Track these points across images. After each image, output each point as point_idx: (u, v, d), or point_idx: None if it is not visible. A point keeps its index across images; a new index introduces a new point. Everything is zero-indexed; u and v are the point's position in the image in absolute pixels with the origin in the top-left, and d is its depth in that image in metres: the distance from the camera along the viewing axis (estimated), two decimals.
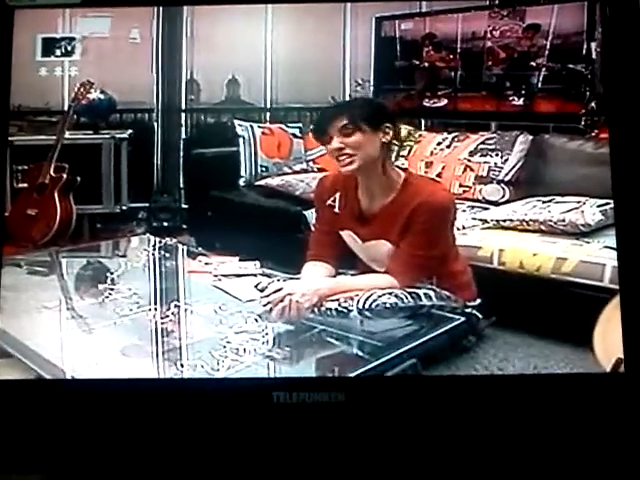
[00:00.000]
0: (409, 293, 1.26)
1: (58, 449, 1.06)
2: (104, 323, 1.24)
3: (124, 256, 1.59)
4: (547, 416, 1.08)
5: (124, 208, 1.67)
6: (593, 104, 1.61)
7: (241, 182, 1.84)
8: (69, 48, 1.57)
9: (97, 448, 1.07)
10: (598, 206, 1.40)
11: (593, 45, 1.59)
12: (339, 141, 1.30)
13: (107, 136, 1.72)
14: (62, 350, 1.14)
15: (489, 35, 1.74)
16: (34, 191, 1.60)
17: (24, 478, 1.09)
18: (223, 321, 1.23)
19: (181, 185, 1.78)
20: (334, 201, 1.38)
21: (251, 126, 1.86)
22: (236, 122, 1.85)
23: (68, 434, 1.06)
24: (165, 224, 1.68)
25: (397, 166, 1.38)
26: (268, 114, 1.86)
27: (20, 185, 1.58)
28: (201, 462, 1.07)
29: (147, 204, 1.69)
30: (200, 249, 1.57)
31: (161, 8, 1.68)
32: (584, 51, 1.61)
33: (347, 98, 1.78)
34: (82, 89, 1.60)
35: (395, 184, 1.32)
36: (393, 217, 1.30)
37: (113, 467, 1.07)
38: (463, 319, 1.23)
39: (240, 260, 1.46)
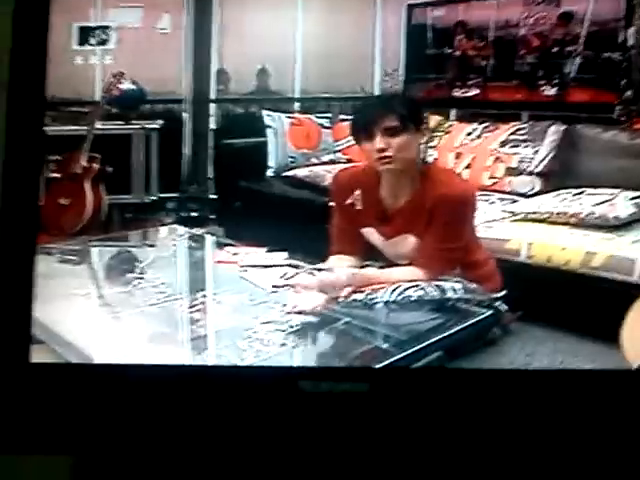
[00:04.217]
0: (436, 286, 1.25)
1: (87, 432, 1.08)
2: (132, 311, 1.26)
3: (153, 246, 1.61)
4: (573, 411, 1.07)
5: (154, 198, 1.70)
6: (629, 93, 1.58)
7: (269, 173, 1.85)
8: (104, 37, 1.59)
9: (125, 432, 1.09)
10: (631, 199, 1.38)
11: (630, 32, 1.56)
12: (383, 141, 1.25)
13: (137, 126, 1.74)
14: (91, 337, 1.16)
15: (523, 23, 1.71)
16: (66, 181, 1.63)
17: (54, 459, 1.12)
18: (249, 311, 1.24)
19: (210, 175, 1.80)
20: (354, 200, 1.35)
21: (280, 116, 1.86)
22: (265, 112, 1.85)
23: (97, 418, 1.08)
24: (194, 214, 1.70)
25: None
26: (297, 104, 1.86)
27: (53, 175, 1.61)
28: (227, 448, 1.08)
29: (176, 194, 1.71)
30: (228, 239, 1.58)
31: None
32: (620, 39, 1.58)
33: (376, 88, 1.77)
34: (113, 80, 1.62)
35: (416, 179, 1.30)
36: (415, 212, 1.29)
37: (139, 451, 1.10)
38: (489, 312, 1.22)
39: (268, 251, 1.47)
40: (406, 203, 1.31)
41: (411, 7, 1.82)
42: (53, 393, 1.09)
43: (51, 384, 1.09)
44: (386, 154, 1.26)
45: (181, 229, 1.64)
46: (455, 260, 1.29)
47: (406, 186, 1.31)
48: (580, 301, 1.24)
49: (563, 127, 1.63)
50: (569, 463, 1.07)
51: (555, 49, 1.69)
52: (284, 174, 1.84)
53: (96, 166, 1.62)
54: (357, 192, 1.35)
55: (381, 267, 1.33)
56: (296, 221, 1.51)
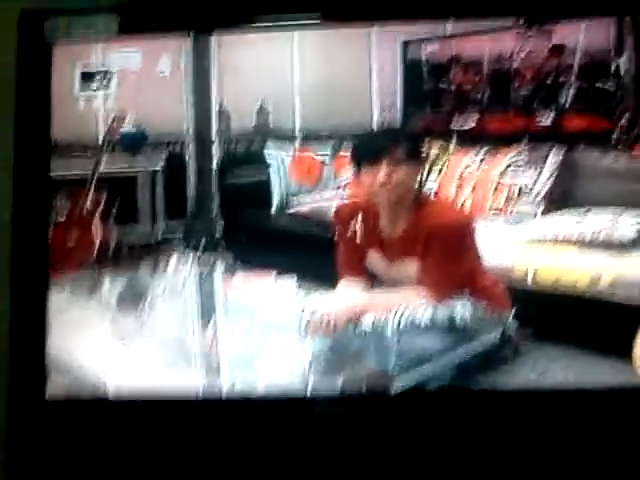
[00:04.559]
0: (445, 308, 1.25)
1: (106, 464, 1.08)
2: (145, 341, 1.26)
3: (163, 276, 1.61)
4: (587, 428, 1.06)
5: (160, 232, 1.70)
6: (624, 120, 1.60)
7: (273, 208, 1.86)
8: (105, 81, 1.61)
9: (143, 464, 1.08)
10: (635, 220, 1.38)
11: (622, 61, 1.59)
12: (387, 171, 1.28)
13: (141, 168, 1.76)
14: (104, 367, 1.16)
15: (516, 55, 1.74)
16: (74, 219, 1.64)
17: None
18: (260, 339, 1.24)
19: (215, 212, 1.81)
20: (355, 230, 1.37)
21: (280, 153, 1.88)
22: (265, 151, 1.87)
23: (114, 449, 1.08)
24: (201, 248, 1.71)
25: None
26: (297, 140, 1.88)
27: (60, 215, 1.61)
28: (247, 471, 1.08)
29: (183, 227, 1.72)
30: (237, 267, 1.59)
31: (190, 42, 1.73)
32: (613, 68, 1.61)
33: (375, 123, 1.80)
34: (115, 122, 1.64)
35: (411, 209, 1.32)
36: (412, 241, 1.30)
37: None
38: (499, 333, 1.23)
39: (277, 275, 1.47)
40: (403, 232, 1.33)
41: (406, 43, 1.86)
42: (69, 428, 1.08)
43: (67, 419, 1.09)
44: (388, 184, 1.28)
45: (189, 262, 1.65)
46: (461, 284, 1.30)
47: (402, 216, 1.33)
48: (590, 320, 1.24)
49: (562, 151, 1.65)
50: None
51: (549, 80, 1.72)
52: (287, 209, 1.85)
53: (102, 204, 1.63)
54: (358, 223, 1.37)
55: (388, 288, 1.34)
56: (302, 254, 1.51)
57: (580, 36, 1.65)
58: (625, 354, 1.13)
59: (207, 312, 1.37)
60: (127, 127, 1.66)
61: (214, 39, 1.71)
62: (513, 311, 1.28)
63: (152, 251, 1.68)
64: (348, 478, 1.07)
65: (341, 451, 1.06)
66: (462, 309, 1.25)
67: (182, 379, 1.13)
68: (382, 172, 1.28)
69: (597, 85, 1.64)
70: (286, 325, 1.27)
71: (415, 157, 1.31)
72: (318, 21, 1.29)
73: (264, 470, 1.07)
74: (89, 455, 1.08)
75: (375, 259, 1.37)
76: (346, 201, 1.55)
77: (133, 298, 1.46)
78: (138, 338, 1.28)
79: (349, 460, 1.06)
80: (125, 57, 1.57)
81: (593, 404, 1.08)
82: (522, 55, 1.73)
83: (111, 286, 1.54)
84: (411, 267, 1.31)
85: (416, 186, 1.33)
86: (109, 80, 1.61)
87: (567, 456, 1.05)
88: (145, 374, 1.14)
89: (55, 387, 1.12)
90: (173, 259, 1.63)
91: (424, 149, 1.38)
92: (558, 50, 1.69)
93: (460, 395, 1.12)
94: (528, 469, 1.06)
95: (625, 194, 1.47)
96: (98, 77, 1.61)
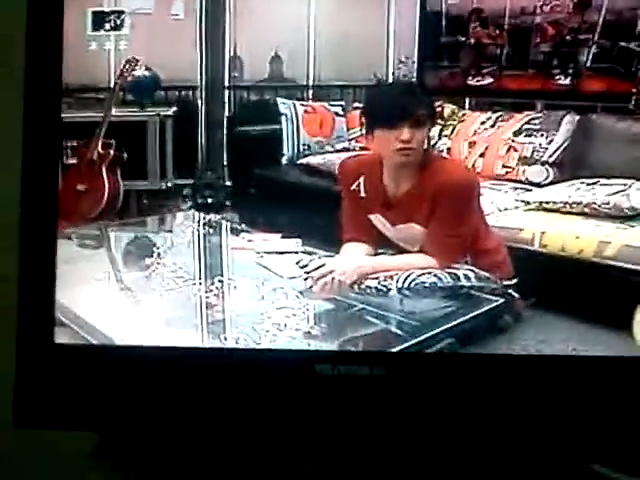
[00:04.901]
0: (448, 273, 1.26)
1: (110, 411, 1.11)
2: (150, 295, 1.28)
3: (170, 231, 1.62)
4: (584, 398, 1.08)
5: (169, 185, 1.71)
6: None
7: (283, 160, 1.86)
8: (118, 22, 1.59)
9: (142, 411, 1.12)
10: None
11: None
12: (409, 132, 1.25)
13: (152, 113, 1.74)
14: (110, 320, 1.18)
15: (539, 10, 1.70)
16: (83, 167, 1.64)
17: (79, 435, 1.16)
18: (265, 297, 1.26)
19: (225, 163, 1.81)
20: (358, 186, 1.36)
21: (294, 104, 1.86)
22: (279, 100, 1.85)
23: (120, 397, 1.11)
24: (209, 201, 1.71)
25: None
26: (311, 92, 1.86)
27: (69, 161, 1.62)
28: (242, 430, 1.11)
29: (192, 181, 1.72)
30: (243, 226, 1.60)
31: None
32: (639, 28, 1.56)
33: (390, 76, 1.77)
34: (127, 66, 1.62)
35: (416, 168, 1.30)
36: (418, 200, 1.30)
37: (159, 430, 1.13)
38: (502, 301, 1.24)
39: (282, 237, 1.49)
40: (408, 191, 1.32)
41: None
42: (76, 372, 1.12)
43: (74, 364, 1.12)
44: (409, 146, 1.26)
45: (197, 215, 1.66)
46: (465, 247, 1.30)
47: (408, 174, 1.32)
48: (594, 289, 1.25)
49: (578, 117, 1.62)
50: (579, 449, 1.08)
51: (571, 37, 1.68)
52: (298, 162, 1.84)
53: (111, 152, 1.63)
54: (361, 179, 1.36)
55: (393, 254, 1.35)
56: (310, 208, 1.51)
57: None
58: (627, 325, 1.14)
59: (212, 270, 1.39)
60: (140, 71, 1.64)
61: None
62: (515, 279, 1.28)
63: (160, 206, 1.69)
64: (348, 439, 1.10)
65: (341, 412, 1.08)
66: (466, 275, 1.26)
67: (185, 334, 1.16)
68: (406, 133, 1.25)
69: (620, 45, 1.60)
70: (290, 285, 1.28)
71: (431, 116, 1.29)
72: None
73: (262, 428, 1.10)
74: (94, 397, 1.11)
75: (379, 220, 1.37)
76: (352, 156, 1.55)
77: (139, 253, 1.48)
78: (144, 291, 1.30)
79: (349, 421, 1.09)
80: None
81: (589, 374, 1.09)
82: (546, 10, 1.69)
83: (117, 240, 1.56)
84: (415, 229, 1.31)
85: (425, 146, 1.32)
86: (122, 22, 1.59)
87: (562, 424, 1.07)
88: (150, 326, 1.16)
89: (62, 333, 1.15)
90: (180, 215, 1.64)
91: (439, 107, 1.36)
92: (583, 5, 1.64)
93: (460, 360, 1.13)
94: (524, 434, 1.08)
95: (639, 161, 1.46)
96: (110, 18, 1.59)
